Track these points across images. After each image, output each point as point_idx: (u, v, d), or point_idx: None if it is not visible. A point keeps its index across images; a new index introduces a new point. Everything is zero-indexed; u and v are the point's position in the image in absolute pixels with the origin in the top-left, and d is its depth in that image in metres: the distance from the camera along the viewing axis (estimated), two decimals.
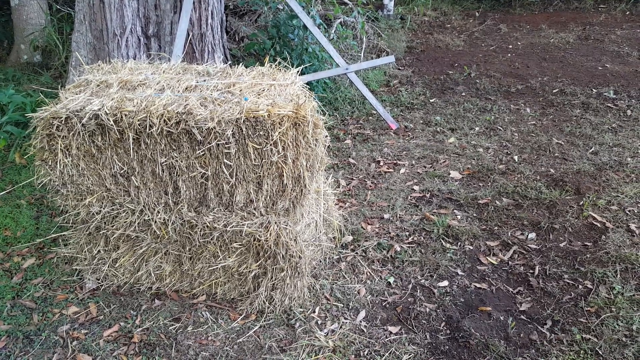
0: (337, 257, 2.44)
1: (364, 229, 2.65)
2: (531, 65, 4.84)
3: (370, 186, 3.07)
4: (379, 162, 3.34)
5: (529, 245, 2.49)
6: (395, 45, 5.51)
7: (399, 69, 5.01)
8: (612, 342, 1.93)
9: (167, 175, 1.92)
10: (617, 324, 2.01)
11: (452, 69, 4.91)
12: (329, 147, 3.57)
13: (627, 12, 6.24)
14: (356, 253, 2.46)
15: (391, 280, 2.29)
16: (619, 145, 3.34)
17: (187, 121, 1.79)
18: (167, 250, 2.11)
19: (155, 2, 3.57)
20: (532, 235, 2.56)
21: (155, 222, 2.00)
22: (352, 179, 3.16)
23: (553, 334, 1.99)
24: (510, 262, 2.39)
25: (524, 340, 1.97)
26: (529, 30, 5.88)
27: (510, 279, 2.30)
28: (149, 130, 1.80)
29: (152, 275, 2.17)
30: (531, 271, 2.33)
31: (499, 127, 3.70)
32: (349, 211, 2.79)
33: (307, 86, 2.82)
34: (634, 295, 2.14)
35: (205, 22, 3.75)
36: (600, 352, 1.89)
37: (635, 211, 2.67)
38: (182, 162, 1.88)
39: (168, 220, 1.99)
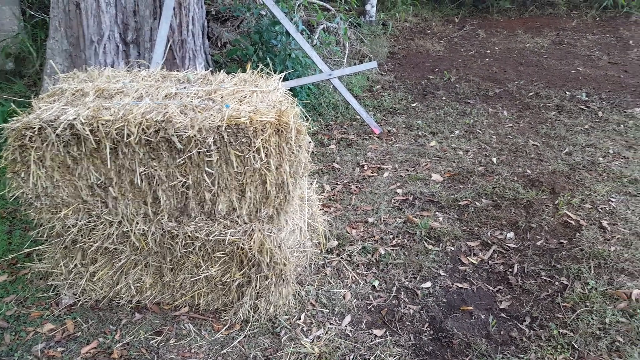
0: (323, 262, 2.47)
1: (348, 233, 2.69)
2: (508, 69, 4.97)
3: (355, 190, 3.12)
4: (363, 166, 3.40)
5: (508, 244, 2.57)
6: (378, 51, 5.60)
7: (382, 74, 5.09)
8: (587, 335, 2.01)
9: (146, 185, 1.92)
10: (592, 318, 2.09)
11: (433, 73, 5.02)
12: (313, 152, 3.62)
13: (597, 18, 6.46)
14: (341, 258, 2.50)
15: (376, 283, 2.34)
16: (591, 146, 3.47)
17: (166, 129, 1.79)
18: (148, 262, 2.10)
19: (134, 8, 3.56)
20: (511, 234, 2.64)
21: (135, 233, 1.99)
22: (337, 183, 3.20)
23: (532, 330, 2.06)
24: (490, 262, 2.46)
25: (505, 337, 2.04)
26: (506, 35, 6.04)
27: (491, 278, 2.37)
28: (127, 139, 1.79)
29: (132, 288, 2.15)
30: (510, 270, 2.40)
31: (478, 130, 3.79)
32: (334, 216, 2.84)
33: (290, 92, 2.86)
34: (606, 289, 2.22)
35: (186, 28, 3.76)
36: (576, 346, 1.97)
37: (607, 209, 2.77)
38: (161, 171, 1.88)
39: (148, 231, 1.98)
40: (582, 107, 4.08)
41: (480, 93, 4.46)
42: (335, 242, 2.60)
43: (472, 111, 4.11)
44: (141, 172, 1.92)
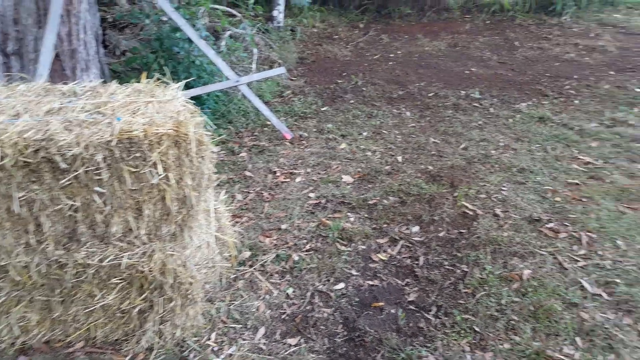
0: (235, 275, 2.41)
1: (262, 242, 2.65)
2: (410, 72, 5.25)
3: (268, 198, 3.09)
4: (275, 172, 3.38)
5: (414, 238, 2.69)
6: (287, 57, 5.63)
7: (292, 80, 5.12)
8: (486, 318, 2.16)
9: (26, 212, 1.73)
10: (490, 301, 2.25)
11: (341, 78, 5.15)
12: (223, 161, 3.53)
13: (487, 22, 7.07)
14: (254, 269, 2.46)
15: (290, 291, 2.32)
16: (484, 140, 3.77)
17: (48, 148, 1.64)
18: (33, 297, 1.88)
19: (14, 16, 3.23)
20: (416, 228, 2.77)
21: (15, 267, 1.78)
22: (249, 192, 3.15)
23: (438, 319, 2.17)
24: (398, 257, 2.56)
25: (413, 329, 2.12)
26: (407, 39, 6.39)
27: (399, 272, 2.46)
28: (1, 162, 1.62)
29: (15, 328, 1.92)
30: (416, 262, 2.52)
31: (384, 131, 3.95)
32: (246, 226, 2.78)
33: (196, 100, 2.75)
34: (501, 272, 2.42)
35: (76, 37, 3.49)
36: (477, 329, 2.11)
37: (499, 197, 3.02)
38: (44, 194, 1.71)
39: (31, 262, 1.78)
40: (475, 104, 4.43)
41: (385, 95, 4.66)
42: (248, 253, 2.55)
43: (379, 113, 4.28)
44: (20, 198, 1.73)
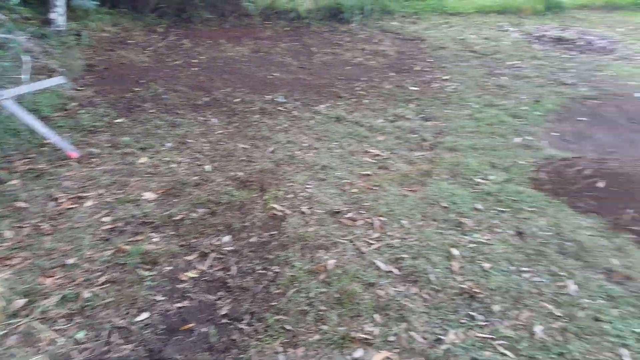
0: (4, 332, 1.94)
1: (41, 284, 2.21)
2: (214, 78, 5.16)
3: (49, 230, 2.60)
4: (57, 199, 2.88)
5: (225, 248, 2.61)
6: (71, 64, 4.92)
7: (78, 90, 4.49)
8: (297, 314, 2.22)
9: None
10: (300, 297, 2.32)
11: (139, 86, 4.74)
12: None
13: (287, 28, 7.46)
14: (32, 318, 2.03)
15: (81, 334, 1.99)
16: (290, 142, 3.92)
17: None
18: None
19: None
20: (227, 238, 2.70)
21: None
22: (23, 226, 2.61)
23: (251, 327, 2.13)
24: (209, 271, 2.45)
25: (227, 343, 2.04)
26: (210, 45, 6.28)
27: (211, 287, 2.35)
28: None
29: None
30: (229, 273, 2.44)
31: (189, 140, 3.77)
32: (18, 268, 2.28)
33: None
34: (309, 267, 2.52)
35: None
36: (289, 328, 2.14)
37: (305, 195, 3.17)
38: None
39: None
40: (280, 108, 4.59)
41: (189, 103, 4.46)
42: (22, 301, 2.09)
43: (183, 122, 4.07)
44: None
